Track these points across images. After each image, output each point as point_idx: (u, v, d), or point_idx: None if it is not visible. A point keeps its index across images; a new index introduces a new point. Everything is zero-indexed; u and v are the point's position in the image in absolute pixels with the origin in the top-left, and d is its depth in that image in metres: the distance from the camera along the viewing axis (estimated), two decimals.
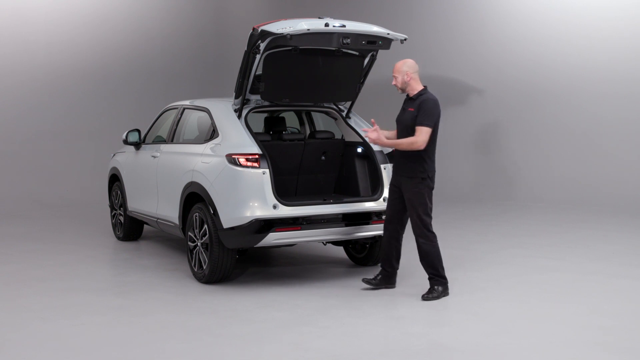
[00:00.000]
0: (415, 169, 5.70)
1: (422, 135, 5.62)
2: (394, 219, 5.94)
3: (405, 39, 6.17)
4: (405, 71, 5.74)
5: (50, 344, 4.73)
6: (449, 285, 5.85)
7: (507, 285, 6.21)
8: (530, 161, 11.74)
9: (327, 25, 5.80)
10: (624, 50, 10.80)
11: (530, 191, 11.48)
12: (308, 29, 5.70)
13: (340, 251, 7.56)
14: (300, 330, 4.96)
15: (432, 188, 5.80)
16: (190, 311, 5.49)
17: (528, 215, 10.08)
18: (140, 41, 13.81)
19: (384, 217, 6.11)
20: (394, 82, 5.82)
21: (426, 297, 5.72)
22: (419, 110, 5.67)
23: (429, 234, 5.77)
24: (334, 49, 6.22)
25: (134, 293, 6.10)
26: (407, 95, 5.85)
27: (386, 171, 6.48)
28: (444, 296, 5.78)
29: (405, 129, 5.78)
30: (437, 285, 5.78)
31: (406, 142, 5.66)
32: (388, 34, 6.07)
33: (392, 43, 6.22)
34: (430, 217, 5.81)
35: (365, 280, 6.06)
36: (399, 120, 5.89)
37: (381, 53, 6.55)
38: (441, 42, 12.84)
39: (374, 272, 6.30)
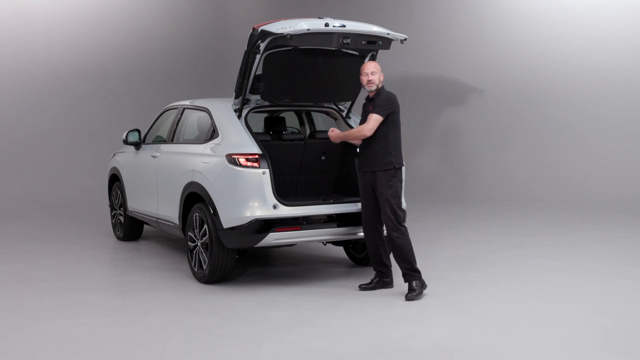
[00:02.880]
0: (385, 161, 5.78)
1: (370, 122, 5.79)
2: (373, 218, 5.97)
3: (405, 39, 6.17)
4: (380, 71, 5.89)
5: (50, 344, 4.72)
6: (449, 285, 5.83)
7: (507, 285, 6.21)
8: (531, 161, 11.74)
9: (327, 25, 5.80)
10: (624, 50, 10.80)
11: (530, 191, 11.48)
12: (308, 29, 5.70)
13: (340, 251, 7.56)
14: (300, 330, 4.96)
15: (402, 182, 5.94)
16: (190, 311, 5.49)
17: (528, 215, 10.08)
18: (140, 41, 13.81)
19: None
20: (370, 78, 5.83)
21: (410, 297, 5.70)
22: (374, 104, 5.86)
23: (402, 228, 5.81)
24: (334, 49, 6.22)
25: (134, 293, 6.10)
26: (367, 97, 5.96)
27: None
28: (424, 289, 5.79)
29: None
30: (414, 281, 5.76)
31: (354, 131, 6.00)
32: (388, 34, 6.07)
33: (392, 43, 6.22)
34: (402, 211, 5.88)
35: (362, 287, 6.05)
36: (363, 121, 5.96)
37: (381, 53, 6.55)
38: (441, 42, 12.84)
39: (370, 273, 6.29)
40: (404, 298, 5.72)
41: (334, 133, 6.17)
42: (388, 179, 5.78)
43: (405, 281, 5.81)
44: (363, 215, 6.02)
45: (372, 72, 5.84)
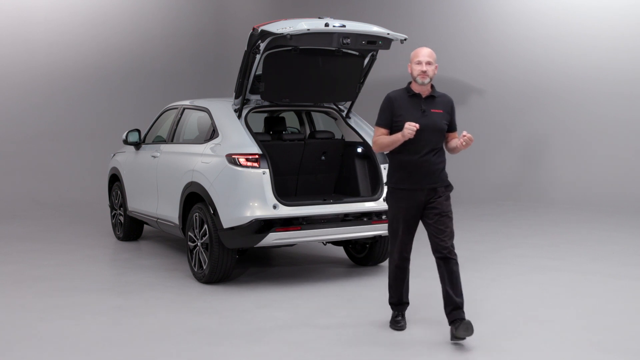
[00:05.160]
0: (445, 175, 4.78)
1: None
2: (410, 246, 4.88)
3: (405, 39, 6.17)
4: (436, 60, 4.73)
5: (50, 344, 4.72)
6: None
7: (507, 285, 6.21)
8: (531, 161, 11.74)
9: (327, 25, 5.79)
10: (625, 50, 10.81)
11: (530, 191, 11.48)
12: (308, 29, 5.70)
13: (340, 251, 7.56)
14: (300, 330, 4.96)
15: None
16: (190, 311, 5.49)
17: (528, 215, 10.08)
18: (140, 41, 13.82)
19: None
20: (425, 69, 4.64)
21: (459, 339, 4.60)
22: (450, 112, 4.79)
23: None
24: (334, 49, 6.22)
25: (134, 293, 6.10)
26: (413, 92, 4.71)
27: (386, 171, 6.45)
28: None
29: (434, 133, 4.69)
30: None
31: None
32: (388, 34, 6.07)
33: (392, 43, 6.22)
34: None
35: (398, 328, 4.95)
36: (426, 125, 4.63)
37: (381, 53, 6.55)
38: (441, 42, 12.83)
39: (369, 273, 6.27)
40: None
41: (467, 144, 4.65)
42: (447, 194, 4.75)
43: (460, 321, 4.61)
44: (403, 242, 4.81)
45: (428, 62, 4.64)
